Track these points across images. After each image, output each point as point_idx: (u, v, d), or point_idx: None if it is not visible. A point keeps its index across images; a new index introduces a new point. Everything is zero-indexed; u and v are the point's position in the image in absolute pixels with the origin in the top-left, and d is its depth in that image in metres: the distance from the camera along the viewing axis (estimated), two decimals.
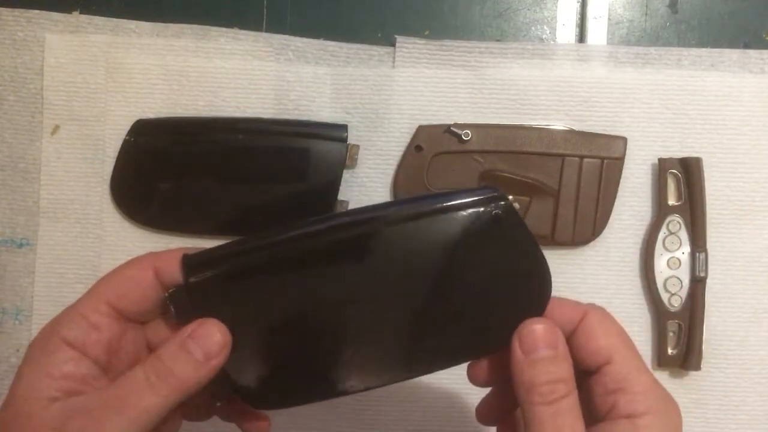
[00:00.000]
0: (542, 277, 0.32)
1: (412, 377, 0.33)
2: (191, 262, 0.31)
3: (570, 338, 0.31)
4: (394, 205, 0.32)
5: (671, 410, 0.30)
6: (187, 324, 0.31)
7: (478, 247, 0.31)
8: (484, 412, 0.37)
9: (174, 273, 0.31)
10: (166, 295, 0.31)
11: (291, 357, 0.32)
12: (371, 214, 0.31)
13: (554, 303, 0.32)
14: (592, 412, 0.31)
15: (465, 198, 0.31)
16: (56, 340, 0.30)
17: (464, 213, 0.31)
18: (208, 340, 0.30)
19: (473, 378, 0.34)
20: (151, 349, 0.33)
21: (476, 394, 0.51)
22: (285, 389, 0.32)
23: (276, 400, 0.33)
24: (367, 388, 0.32)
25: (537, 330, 0.30)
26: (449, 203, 0.31)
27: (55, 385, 0.29)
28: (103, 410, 0.28)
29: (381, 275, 0.31)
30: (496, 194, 0.31)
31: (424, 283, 0.31)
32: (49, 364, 0.29)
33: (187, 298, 0.31)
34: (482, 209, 0.31)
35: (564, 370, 0.30)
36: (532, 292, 0.32)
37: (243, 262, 0.31)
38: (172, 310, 0.31)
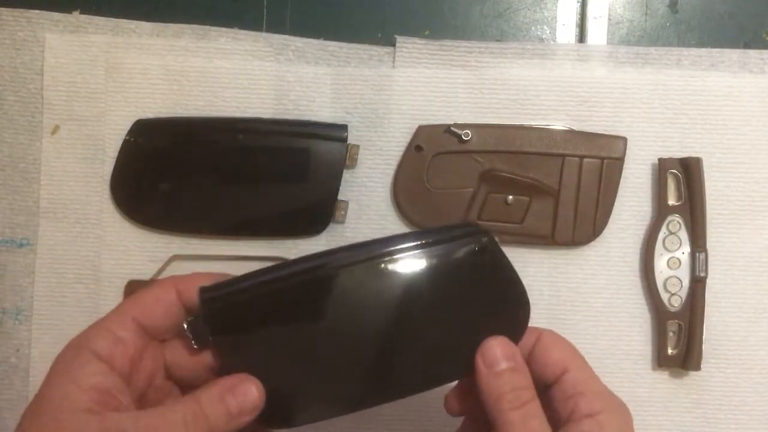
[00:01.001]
0: (522, 306, 0.36)
1: (396, 399, 0.37)
2: (207, 295, 0.34)
3: (529, 357, 0.35)
4: (388, 241, 0.35)
5: (624, 409, 0.35)
6: (203, 348, 0.35)
7: (461, 280, 0.35)
8: None
9: (194, 295, 0.34)
10: (185, 324, 0.34)
11: (294, 380, 0.35)
12: (365, 250, 0.35)
13: None
14: (553, 419, 0.34)
15: (448, 234, 0.35)
16: (86, 352, 0.32)
17: (448, 249, 0.35)
18: (245, 398, 0.33)
19: (449, 409, 0.39)
20: (167, 367, 0.35)
21: None
22: (292, 409, 0.35)
23: (286, 420, 0.35)
24: (361, 408, 0.36)
25: (495, 346, 0.34)
26: (432, 240, 0.35)
27: (85, 396, 0.30)
28: None
29: (374, 306, 0.35)
30: (476, 229, 0.35)
31: (411, 314, 0.35)
32: (80, 375, 0.31)
33: (203, 327, 0.34)
34: (464, 245, 0.35)
35: (525, 378, 0.34)
36: (513, 320, 0.36)
37: (253, 294, 0.34)
38: (190, 336, 0.34)
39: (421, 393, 0.36)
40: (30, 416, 0.30)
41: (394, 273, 0.34)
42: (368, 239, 0.35)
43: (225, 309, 0.34)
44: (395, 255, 0.34)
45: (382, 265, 0.34)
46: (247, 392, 0.33)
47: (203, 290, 0.34)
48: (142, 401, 0.34)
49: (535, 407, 0.33)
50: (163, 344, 0.35)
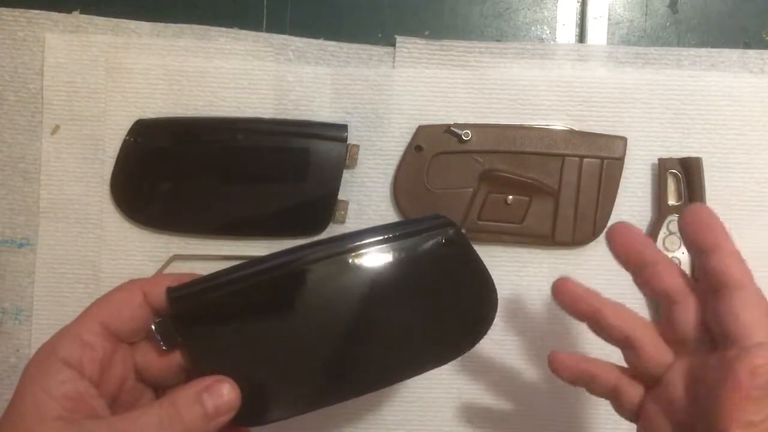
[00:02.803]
0: (490, 296, 0.37)
1: (369, 392, 0.37)
2: (174, 294, 0.34)
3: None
4: (355, 235, 0.35)
5: None
6: (172, 349, 0.34)
7: (429, 273, 0.35)
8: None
9: (161, 296, 0.34)
10: (153, 325, 0.34)
11: (267, 377, 0.35)
12: (332, 246, 0.35)
13: None
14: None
15: (415, 227, 0.36)
16: (54, 360, 0.32)
17: (416, 241, 0.35)
18: (221, 398, 0.33)
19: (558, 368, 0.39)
20: (138, 369, 0.35)
21: (475, 395, 0.52)
22: (266, 406, 0.35)
23: (258, 417, 0.35)
24: (342, 400, 0.36)
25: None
26: (398, 233, 0.35)
27: (58, 405, 0.30)
28: None
29: (342, 301, 0.35)
30: (444, 222, 0.36)
31: (385, 304, 0.35)
32: (50, 384, 0.31)
33: (172, 327, 0.34)
34: (431, 237, 0.35)
35: None
36: (481, 311, 0.37)
37: (220, 293, 0.34)
38: (159, 338, 0.34)
39: (392, 385, 0.37)
40: (5, 427, 0.30)
41: (361, 267, 0.35)
42: (337, 234, 0.35)
43: (193, 309, 0.34)
44: (362, 249, 0.35)
45: (350, 260, 0.34)
46: (223, 392, 0.33)
47: (170, 290, 0.34)
48: (115, 405, 0.34)
49: None
50: (132, 347, 0.35)
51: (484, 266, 0.37)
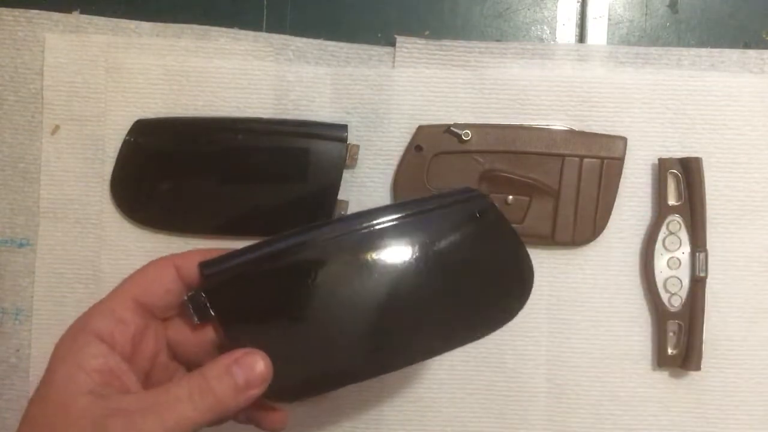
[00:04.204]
0: (526, 268, 0.36)
1: (413, 363, 0.36)
2: (208, 269, 0.33)
3: None
4: (388, 209, 0.35)
5: None
6: (205, 324, 0.34)
7: (464, 243, 0.35)
8: None
9: (193, 271, 0.34)
10: (186, 297, 0.34)
11: (301, 352, 0.34)
12: (365, 218, 0.34)
13: None
14: None
15: (447, 199, 0.35)
16: (87, 334, 0.31)
17: (448, 214, 0.35)
18: (252, 370, 0.32)
19: None
20: (170, 345, 0.35)
21: (475, 395, 0.52)
22: (298, 382, 0.35)
23: (291, 393, 0.35)
24: (374, 375, 0.35)
25: None
26: (431, 206, 0.35)
27: (89, 378, 0.30)
28: (142, 415, 0.30)
29: (376, 274, 0.34)
30: (476, 194, 0.35)
31: (417, 276, 0.34)
32: (82, 358, 0.31)
33: (205, 301, 0.33)
34: (464, 210, 0.35)
35: None
36: (518, 283, 0.36)
37: (254, 266, 0.34)
38: (191, 311, 0.33)
39: (426, 360, 0.36)
40: (37, 401, 0.30)
41: (395, 241, 0.34)
42: (368, 209, 0.35)
43: (226, 282, 0.33)
44: (395, 223, 0.34)
45: (383, 233, 0.34)
46: (254, 364, 0.32)
47: (203, 265, 0.33)
48: (148, 382, 0.34)
49: None
50: (165, 323, 0.35)
51: (518, 237, 0.36)
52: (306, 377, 0.35)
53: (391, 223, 0.34)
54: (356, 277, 0.34)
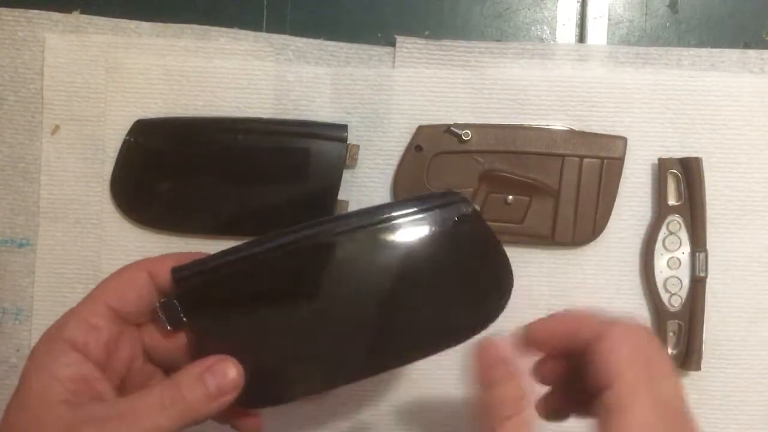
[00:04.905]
0: (505, 273, 0.36)
1: (385, 371, 0.36)
2: (179, 274, 0.33)
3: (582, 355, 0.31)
4: (366, 213, 0.35)
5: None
6: (178, 330, 0.34)
7: (443, 249, 0.35)
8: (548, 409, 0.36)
9: (166, 276, 0.33)
10: (158, 304, 0.33)
11: (274, 358, 0.34)
12: (340, 223, 0.34)
13: (572, 317, 0.33)
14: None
15: (429, 203, 0.35)
16: (60, 343, 0.31)
17: (429, 218, 0.35)
18: (224, 377, 0.32)
19: (541, 378, 0.35)
20: (146, 350, 0.35)
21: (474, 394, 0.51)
22: (273, 387, 0.35)
23: (263, 399, 0.35)
24: (347, 383, 0.35)
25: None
26: (411, 210, 0.34)
27: (62, 388, 0.30)
28: (114, 422, 0.30)
29: (351, 279, 0.34)
30: (457, 198, 0.35)
31: (396, 281, 0.34)
32: (55, 367, 0.31)
33: (177, 307, 0.33)
34: (445, 214, 0.35)
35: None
36: (497, 287, 0.36)
37: (226, 272, 0.34)
38: (164, 318, 0.33)
39: (400, 367, 0.36)
40: (14, 408, 0.31)
41: (371, 245, 0.34)
42: (347, 212, 0.35)
43: (198, 288, 0.33)
44: (373, 227, 0.34)
45: (359, 238, 0.34)
46: (226, 371, 0.32)
47: (176, 270, 0.33)
48: (125, 387, 0.34)
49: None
50: (140, 328, 0.35)
51: (499, 242, 0.36)
52: (278, 384, 0.35)
53: (373, 227, 0.34)
54: (329, 282, 0.34)
